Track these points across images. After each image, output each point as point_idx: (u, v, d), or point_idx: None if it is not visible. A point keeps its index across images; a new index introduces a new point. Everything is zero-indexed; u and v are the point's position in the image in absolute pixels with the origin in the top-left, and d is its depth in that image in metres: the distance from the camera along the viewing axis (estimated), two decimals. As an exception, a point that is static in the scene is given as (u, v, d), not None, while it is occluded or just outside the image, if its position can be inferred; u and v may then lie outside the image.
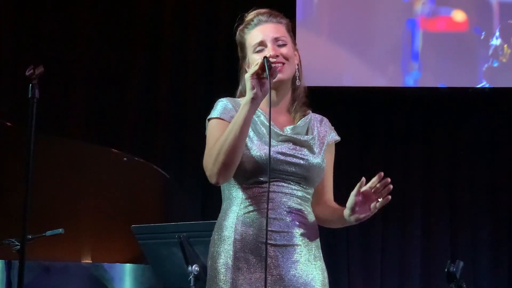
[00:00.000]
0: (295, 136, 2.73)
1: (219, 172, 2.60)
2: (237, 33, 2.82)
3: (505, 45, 6.17)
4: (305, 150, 2.72)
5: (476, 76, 6.21)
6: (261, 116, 2.73)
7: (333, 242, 6.15)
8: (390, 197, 2.61)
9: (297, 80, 2.78)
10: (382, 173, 2.62)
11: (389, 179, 2.61)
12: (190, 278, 3.71)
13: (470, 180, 6.30)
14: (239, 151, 2.60)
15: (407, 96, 6.37)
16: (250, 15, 2.80)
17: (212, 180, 2.63)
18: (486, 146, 6.33)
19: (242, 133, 2.58)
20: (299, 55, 2.81)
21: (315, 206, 2.80)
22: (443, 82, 6.28)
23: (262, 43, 2.73)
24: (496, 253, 6.19)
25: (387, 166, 6.35)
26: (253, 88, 2.58)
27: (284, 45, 2.74)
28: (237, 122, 2.58)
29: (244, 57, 2.80)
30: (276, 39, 2.73)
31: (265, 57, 2.60)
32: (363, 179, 2.65)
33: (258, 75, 2.58)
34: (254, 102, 2.58)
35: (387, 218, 6.27)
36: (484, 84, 6.18)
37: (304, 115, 2.79)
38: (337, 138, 2.86)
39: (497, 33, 6.19)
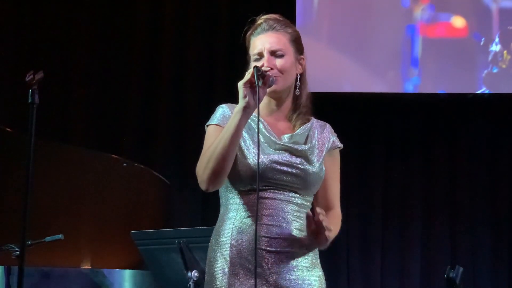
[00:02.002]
0: (291, 145, 2.72)
1: (208, 178, 2.61)
2: (246, 37, 2.82)
3: (505, 51, 6.17)
4: (302, 159, 2.71)
5: (475, 82, 6.21)
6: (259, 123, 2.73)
7: (333, 248, 6.13)
8: (327, 233, 2.57)
9: (297, 89, 2.77)
10: (310, 213, 2.60)
11: (317, 217, 2.55)
12: (190, 284, 3.70)
13: (469, 186, 6.30)
14: (229, 158, 2.60)
15: (407, 102, 6.37)
16: (258, 21, 2.78)
17: (202, 186, 2.65)
18: (486, 152, 6.33)
19: (232, 141, 2.58)
20: (302, 65, 2.79)
21: None
22: (443, 88, 6.28)
23: (260, 54, 2.72)
24: (495, 259, 6.19)
25: (387, 172, 6.36)
26: (245, 96, 2.58)
27: (281, 56, 2.73)
28: (228, 130, 2.59)
29: (248, 62, 2.79)
30: (273, 52, 2.72)
31: (255, 66, 2.60)
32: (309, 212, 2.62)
33: (252, 84, 2.58)
34: (246, 110, 2.59)
35: (387, 224, 6.27)
36: (483, 90, 6.19)
37: (304, 123, 2.77)
38: (339, 144, 2.84)
39: (497, 39, 6.19)
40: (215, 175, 2.60)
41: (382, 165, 6.38)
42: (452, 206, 6.29)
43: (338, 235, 5.93)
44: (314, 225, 2.56)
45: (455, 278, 3.44)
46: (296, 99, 2.78)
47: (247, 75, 2.59)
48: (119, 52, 6.38)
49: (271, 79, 2.62)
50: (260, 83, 2.58)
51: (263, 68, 2.61)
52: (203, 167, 2.62)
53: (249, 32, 2.79)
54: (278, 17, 2.79)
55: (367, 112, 6.42)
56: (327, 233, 2.56)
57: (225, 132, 2.59)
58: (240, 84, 2.59)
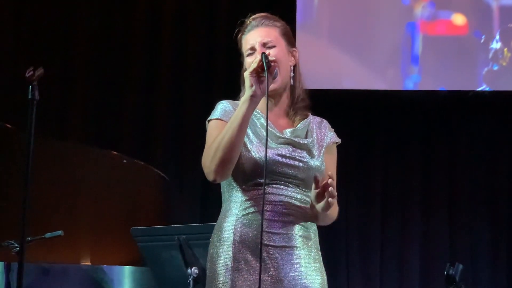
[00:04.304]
0: (294, 138, 2.74)
1: (216, 169, 2.62)
2: (238, 38, 2.85)
3: (505, 49, 6.17)
4: (305, 152, 2.73)
5: (476, 79, 6.21)
6: (261, 118, 2.75)
7: (332, 244, 6.15)
8: (330, 200, 2.56)
9: (291, 80, 2.78)
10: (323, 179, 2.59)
11: (328, 187, 2.56)
12: (189, 281, 3.70)
13: (469, 183, 6.30)
14: (236, 148, 2.61)
15: (407, 99, 6.37)
16: (247, 21, 2.83)
17: (210, 177, 2.65)
18: (486, 149, 6.33)
19: (240, 130, 2.59)
20: (295, 57, 2.82)
21: None
22: (443, 85, 6.28)
23: (252, 48, 2.76)
24: (495, 256, 6.20)
25: (386, 169, 6.36)
26: (251, 85, 2.60)
27: (273, 47, 2.75)
28: (236, 120, 2.60)
29: (243, 60, 2.82)
30: (264, 44, 2.75)
31: (263, 53, 2.63)
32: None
33: (258, 73, 2.60)
34: (253, 100, 2.60)
35: (387, 221, 6.28)
36: (484, 87, 6.18)
37: (303, 118, 2.80)
38: (337, 139, 2.86)
39: (497, 37, 6.19)
40: (223, 164, 2.61)
41: (382, 162, 6.38)
42: (451, 202, 6.29)
43: (338, 231, 5.89)
44: (321, 189, 2.57)
45: (455, 275, 3.44)
46: (292, 93, 2.80)
47: (253, 64, 2.61)
48: (118, 48, 6.38)
49: (276, 70, 2.65)
50: (264, 73, 2.59)
51: (269, 57, 2.63)
52: (211, 158, 2.62)
53: (240, 33, 2.83)
54: (266, 14, 2.83)
55: (367, 110, 6.42)
56: (331, 199, 2.56)
57: (232, 121, 2.61)
58: (246, 73, 2.61)
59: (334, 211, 2.73)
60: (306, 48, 6.10)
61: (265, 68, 2.59)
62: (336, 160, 2.86)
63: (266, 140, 2.63)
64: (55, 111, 6.18)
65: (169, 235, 3.79)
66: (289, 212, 2.68)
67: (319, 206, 2.62)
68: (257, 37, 2.76)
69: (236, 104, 2.74)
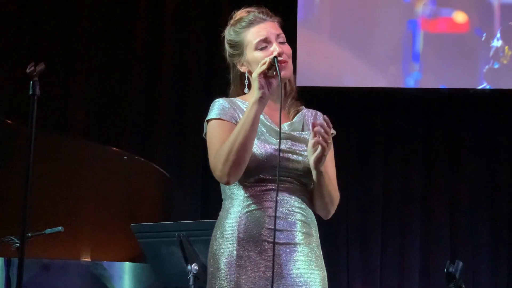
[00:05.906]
0: (292, 132, 2.75)
1: (230, 172, 2.61)
2: (228, 31, 2.84)
3: (506, 47, 6.17)
4: (304, 146, 2.73)
5: (476, 77, 6.21)
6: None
7: (333, 242, 6.16)
8: (326, 144, 2.58)
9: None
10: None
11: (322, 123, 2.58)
12: (190, 277, 3.71)
13: (470, 181, 6.30)
14: (249, 150, 2.61)
15: (408, 97, 6.37)
16: (243, 13, 2.81)
17: (223, 180, 2.64)
18: (486, 147, 6.33)
19: (251, 132, 2.59)
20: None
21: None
22: (444, 83, 6.28)
23: (266, 40, 2.73)
24: (495, 254, 6.20)
25: (387, 166, 6.36)
26: (261, 87, 2.59)
27: (284, 42, 2.75)
28: (246, 122, 2.59)
29: (239, 54, 2.80)
30: (278, 36, 2.74)
31: (275, 57, 2.62)
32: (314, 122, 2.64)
33: (265, 74, 2.60)
34: (262, 101, 2.60)
35: (387, 218, 6.28)
36: (484, 85, 6.18)
37: (298, 111, 2.81)
38: (332, 130, 2.85)
39: (498, 35, 6.19)
40: (236, 167, 2.60)
41: (382, 160, 6.37)
42: (452, 200, 6.29)
43: (338, 229, 5.87)
44: (319, 137, 2.58)
45: (455, 272, 3.43)
46: (285, 86, 2.79)
47: (262, 66, 2.61)
48: (120, 45, 6.38)
49: (282, 71, 2.65)
50: (271, 72, 2.60)
51: (279, 58, 2.64)
52: (223, 161, 2.61)
53: (234, 24, 2.82)
54: (263, 9, 2.81)
55: (367, 107, 6.42)
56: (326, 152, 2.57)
57: (243, 124, 2.60)
58: (255, 75, 2.61)
59: (334, 189, 2.73)
60: (307, 45, 6.11)
61: (279, 73, 2.59)
62: (332, 151, 2.84)
63: (280, 143, 2.62)
64: (56, 106, 6.18)
65: (170, 232, 3.80)
66: (291, 208, 2.68)
67: (314, 157, 2.60)
68: (271, 29, 2.75)
69: (232, 101, 2.75)
